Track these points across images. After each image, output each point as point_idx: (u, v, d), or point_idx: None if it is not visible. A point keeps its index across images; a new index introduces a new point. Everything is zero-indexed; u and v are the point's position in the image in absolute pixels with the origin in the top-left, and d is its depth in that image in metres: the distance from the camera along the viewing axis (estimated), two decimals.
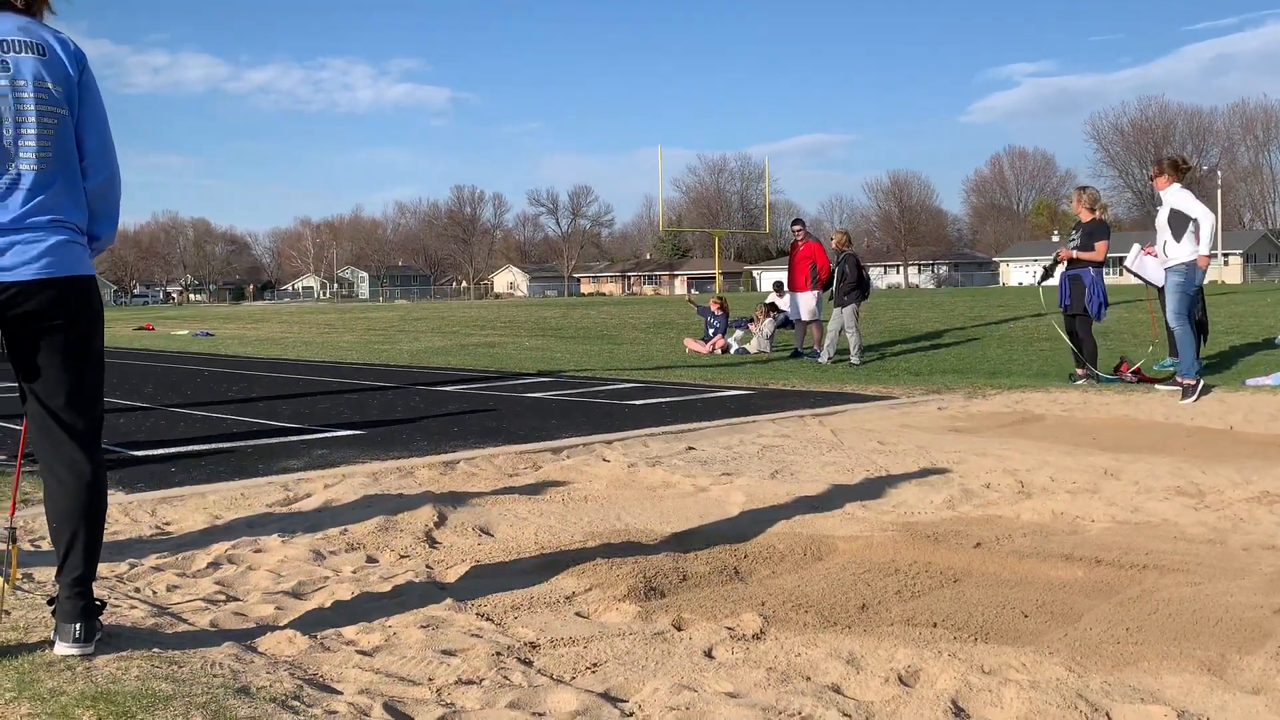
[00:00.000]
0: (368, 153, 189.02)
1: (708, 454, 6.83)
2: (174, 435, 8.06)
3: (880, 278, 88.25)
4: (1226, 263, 66.79)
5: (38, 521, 4.58)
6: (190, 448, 7.36)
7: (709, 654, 3.18)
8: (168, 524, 5.01)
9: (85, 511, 3.11)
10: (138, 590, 3.88)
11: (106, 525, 4.91)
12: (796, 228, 15.87)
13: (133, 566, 4.20)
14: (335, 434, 8.03)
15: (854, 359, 13.72)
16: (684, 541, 4.57)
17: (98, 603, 3.13)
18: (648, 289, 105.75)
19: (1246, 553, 4.26)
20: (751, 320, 18.82)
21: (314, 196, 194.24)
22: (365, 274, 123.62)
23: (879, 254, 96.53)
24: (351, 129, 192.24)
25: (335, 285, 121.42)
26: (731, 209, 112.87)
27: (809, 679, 2.93)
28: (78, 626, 3.02)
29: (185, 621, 3.49)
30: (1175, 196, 9.48)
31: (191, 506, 5.37)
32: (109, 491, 5.67)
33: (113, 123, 3.26)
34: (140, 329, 34.10)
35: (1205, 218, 9.40)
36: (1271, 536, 4.52)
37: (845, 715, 2.66)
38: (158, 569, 4.18)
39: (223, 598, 3.80)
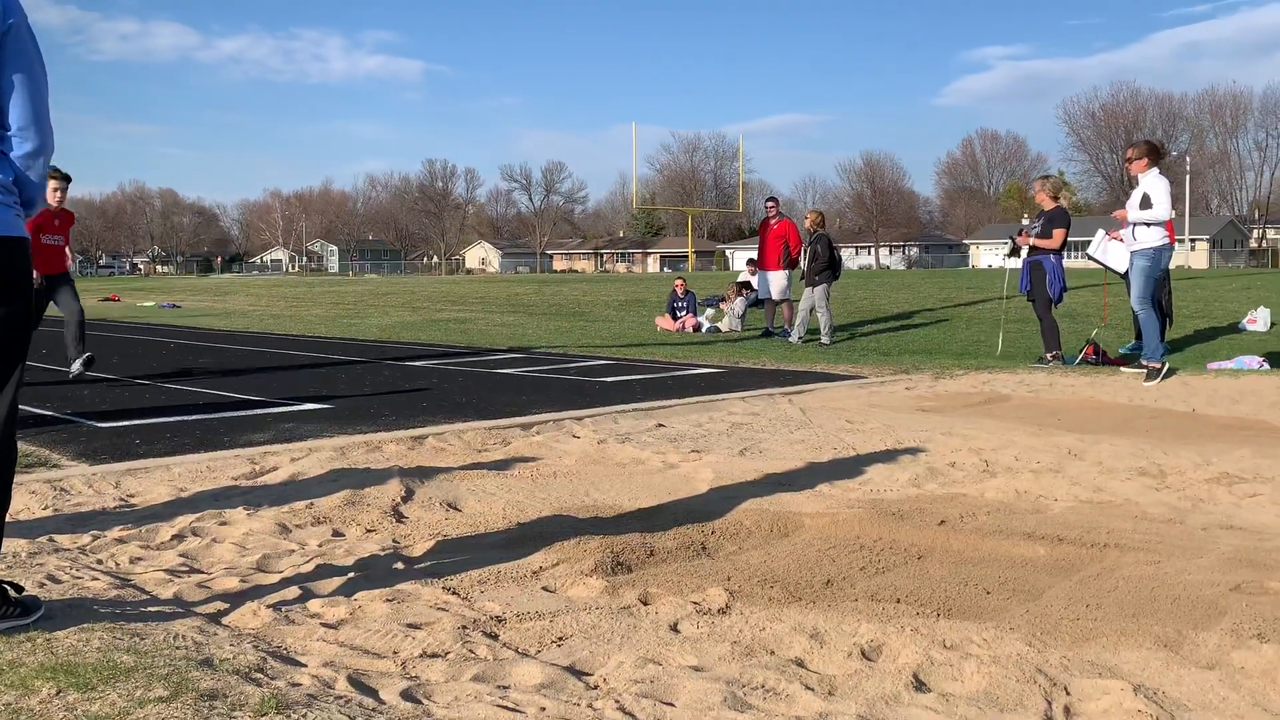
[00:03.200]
0: (339, 125, 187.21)
1: (677, 431, 6.84)
2: (139, 407, 7.97)
3: (851, 259, 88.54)
4: (1193, 248, 67.50)
5: None
6: (155, 420, 7.29)
7: (675, 628, 3.19)
8: (132, 496, 4.97)
9: None
10: (100, 562, 3.85)
11: (70, 497, 4.88)
12: (770, 204, 15.87)
13: (95, 538, 4.16)
14: (302, 408, 7.98)
15: (824, 339, 13.77)
16: (652, 517, 4.59)
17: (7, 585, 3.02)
18: (621, 267, 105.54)
19: (1205, 532, 4.32)
20: (723, 299, 18.84)
21: (284, 168, 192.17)
22: (335, 248, 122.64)
23: (851, 235, 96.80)
24: (323, 101, 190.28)
25: (304, 259, 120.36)
26: (705, 187, 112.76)
27: (773, 653, 2.95)
28: None
29: (148, 594, 3.47)
30: (1151, 182, 9.55)
31: (156, 479, 5.32)
32: (72, 463, 5.63)
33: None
34: (106, 300, 33.69)
35: (1158, 214, 9.44)
36: (1230, 517, 4.60)
37: (808, 689, 2.69)
38: (121, 541, 4.14)
39: (187, 570, 3.78)
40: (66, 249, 9.74)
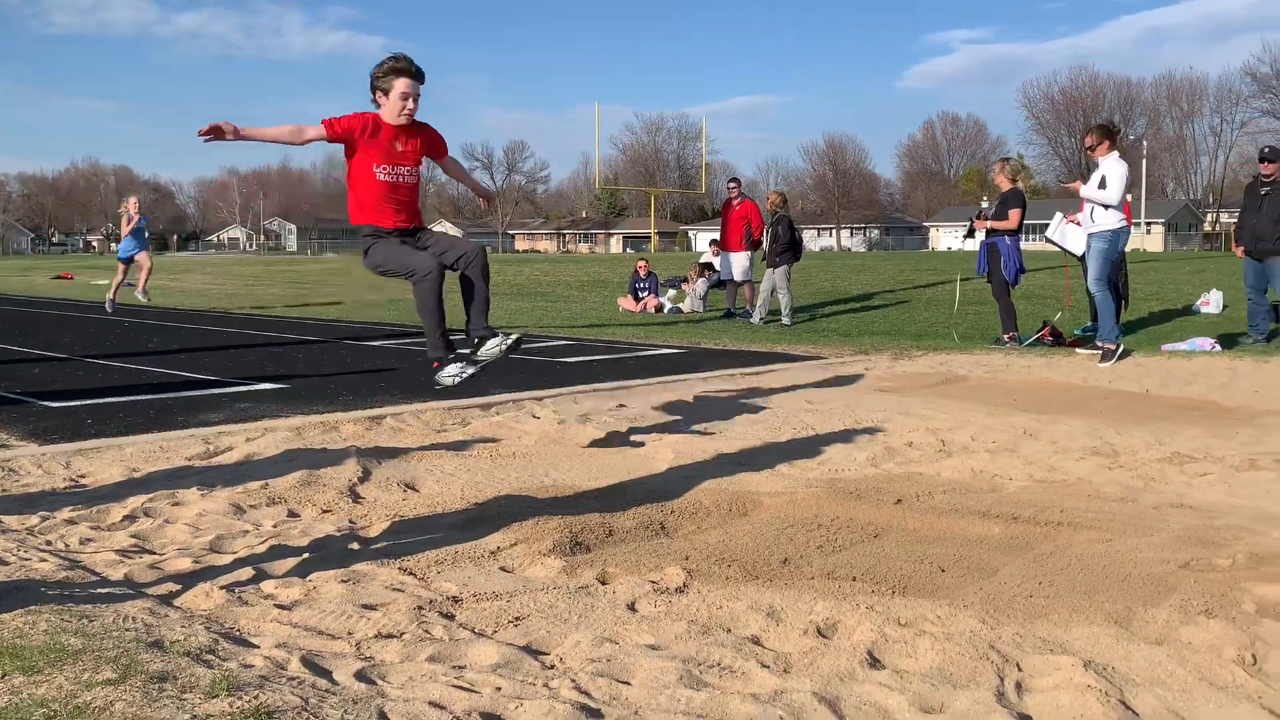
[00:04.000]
0: (300, 102, 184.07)
1: (638, 411, 6.84)
2: (91, 386, 7.85)
3: (813, 240, 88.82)
4: (1149, 231, 68.41)
5: None
6: (107, 400, 7.17)
7: (632, 607, 3.19)
8: (82, 476, 4.89)
9: None
10: (49, 543, 3.79)
11: (18, 477, 4.79)
12: (732, 185, 15.86)
13: (44, 519, 4.10)
14: (258, 387, 7.88)
15: (785, 319, 13.81)
16: (611, 497, 4.58)
17: None
18: (583, 247, 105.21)
19: (1156, 511, 4.39)
20: (685, 280, 18.84)
21: (242, 146, 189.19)
22: (293, 226, 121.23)
23: (813, 217, 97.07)
24: (284, 77, 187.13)
25: (262, 237, 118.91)
26: (668, 168, 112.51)
27: (730, 631, 2.96)
28: None
29: (98, 575, 3.42)
30: (1111, 166, 9.63)
31: (108, 459, 5.24)
32: (21, 443, 5.52)
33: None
34: (58, 278, 33.09)
35: (1110, 198, 9.52)
36: (1181, 495, 4.67)
37: (764, 666, 2.70)
38: (71, 522, 4.07)
39: (138, 551, 3.73)
40: None
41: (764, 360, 9.91)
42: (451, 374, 4.74)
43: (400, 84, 4.55)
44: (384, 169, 4.60)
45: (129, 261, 16.71)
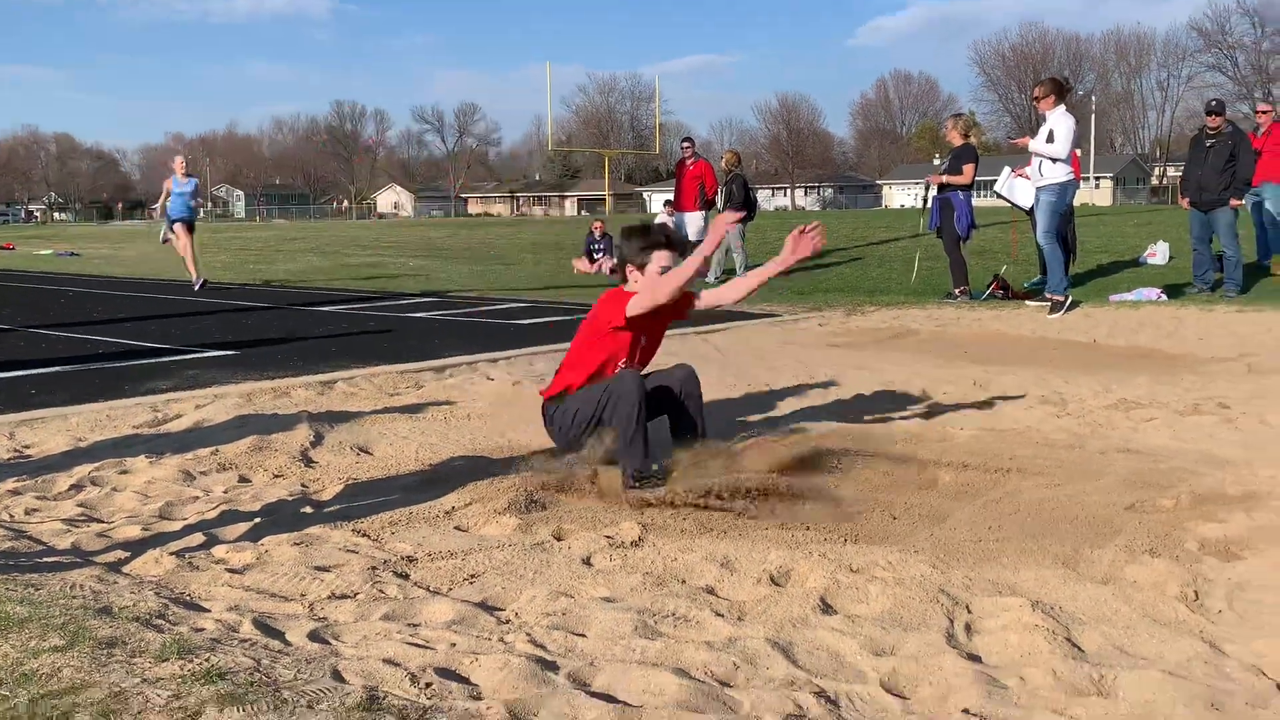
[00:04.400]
0: (244, 66, 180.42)
1: None
2: (34, 356, 7.69)
3: (768, 200, 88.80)
4: (1098, 186, 69.16)
5: None
6: (52, 369, 7.04)
7: (587, 562, 3.20)
8: (27, 447, 4.80)
9: None
10: None
11: None
12: (686, 145, 15.79)
13: None
14: (207, 354, 7.77)
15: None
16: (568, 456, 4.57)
17: None
18: (537, 210, 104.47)
19: (1103, 456, 4.46)
20: None
21: (187, 112, 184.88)
22: (241, 193, 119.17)
23: (767, 176, 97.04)
24: (227, 41, 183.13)
25: (210, 204, 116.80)
26: (622, 129, 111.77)
27: (684, 582, 2.98)
28: None
29: (44, 544, 3.36)
30: (1057, 120, 9.69)
31: (53, 429, 5.14)
32: None
33: None
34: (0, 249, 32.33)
35: (1057, 151, 9.59)
36: (1127, 440, 4.75)
37: (718, 615, 2.72)
38: (15, 493, 4.00)
39: (86, 520, 3.67)
40: None
41: (718, 318, 9.92)
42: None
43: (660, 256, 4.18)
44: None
45: (189, 224, 14.88)
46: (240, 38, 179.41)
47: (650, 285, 4.05)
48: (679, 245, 4.29)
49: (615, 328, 4.09)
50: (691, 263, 4.05)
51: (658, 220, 19.29)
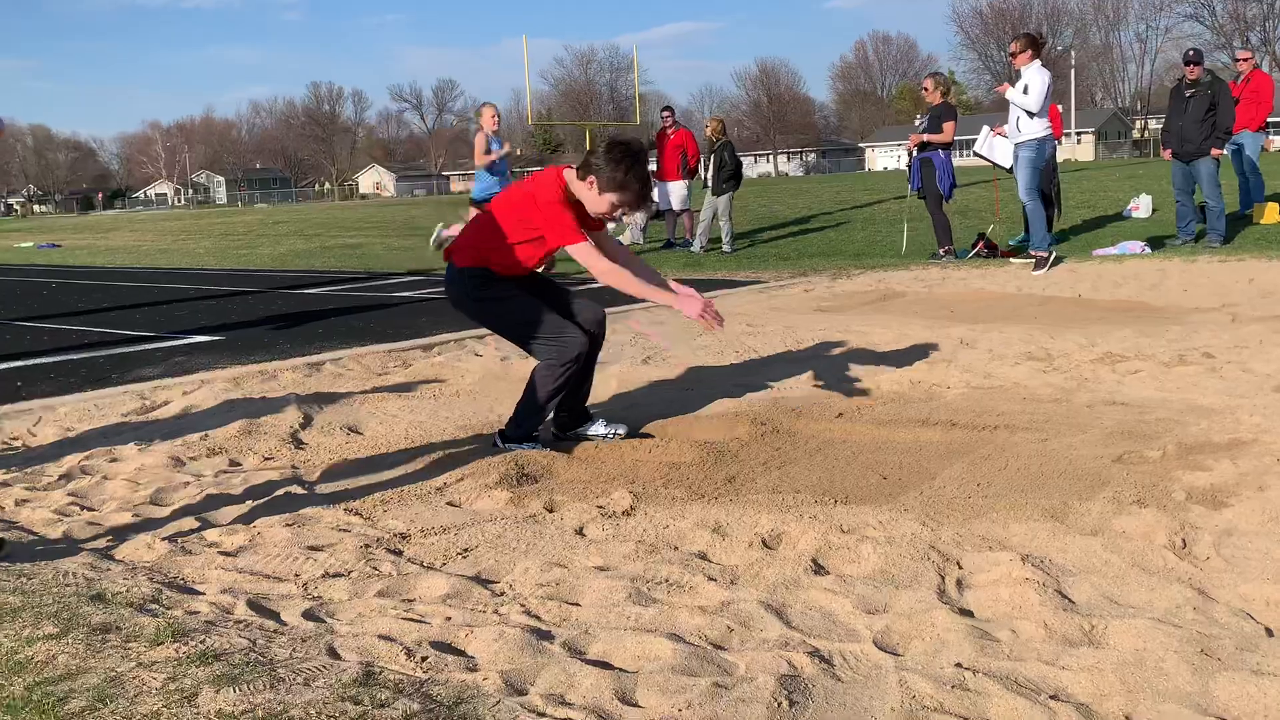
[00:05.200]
0: (217, 51, 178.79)
1: None
2: (19, 349, 7.65)
3: (751, 167, 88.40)
4: (1079, 141, 69.12)
5: None
6: (37, 360, 7.00)
7: (580, 532, 3.21)
8: (14, 439, 4.78)
9: None
10: None
11: None
12: (666, 114, 15.72)
13: None
14: (193, 340, 7.74)
15: (726, 247, 13.81)
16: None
17: None
18: None
19: (1090, 409, 4.49)
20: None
21: (162, 99, 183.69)
22: (221, 178, 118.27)
23: (749, 143, 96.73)
24: (198, 26, 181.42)
25: (190, 191, 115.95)
26: (601, 101, 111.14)
27: (676, 549, 2.99)
28: None
29: (35, 534, 3.36)
30: (1033, 75, 9.66)
31: (41, 420, 5.12)
32: None
33: None
34: None
35: (1031, 104, 9.55)
36: (1113, 393, 4.78)
37: (711, 579, 2.73)
38: (4, 484, 3.98)
39: (77, 509, 3.66)
40: None
41: (705, 287, 9.90)
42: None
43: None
44: None
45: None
46: (211, 22, 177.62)
47: (592, 259, 4.00)
48: (646, 204, 4.26)
49: (546, 243, 4.06)
50: (644, 290, 4.03)
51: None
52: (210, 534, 3.32)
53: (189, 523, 3.43)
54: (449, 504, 3.59)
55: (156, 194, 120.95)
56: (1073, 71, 68.22)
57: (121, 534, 3.33)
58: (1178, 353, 5.51)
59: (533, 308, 4.18)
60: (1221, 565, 2.72)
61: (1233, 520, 3.02)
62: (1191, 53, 11.21)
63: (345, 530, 3.31)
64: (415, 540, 3.21)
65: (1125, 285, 8.47)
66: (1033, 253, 9.87)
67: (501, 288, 4.21)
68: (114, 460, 4.30)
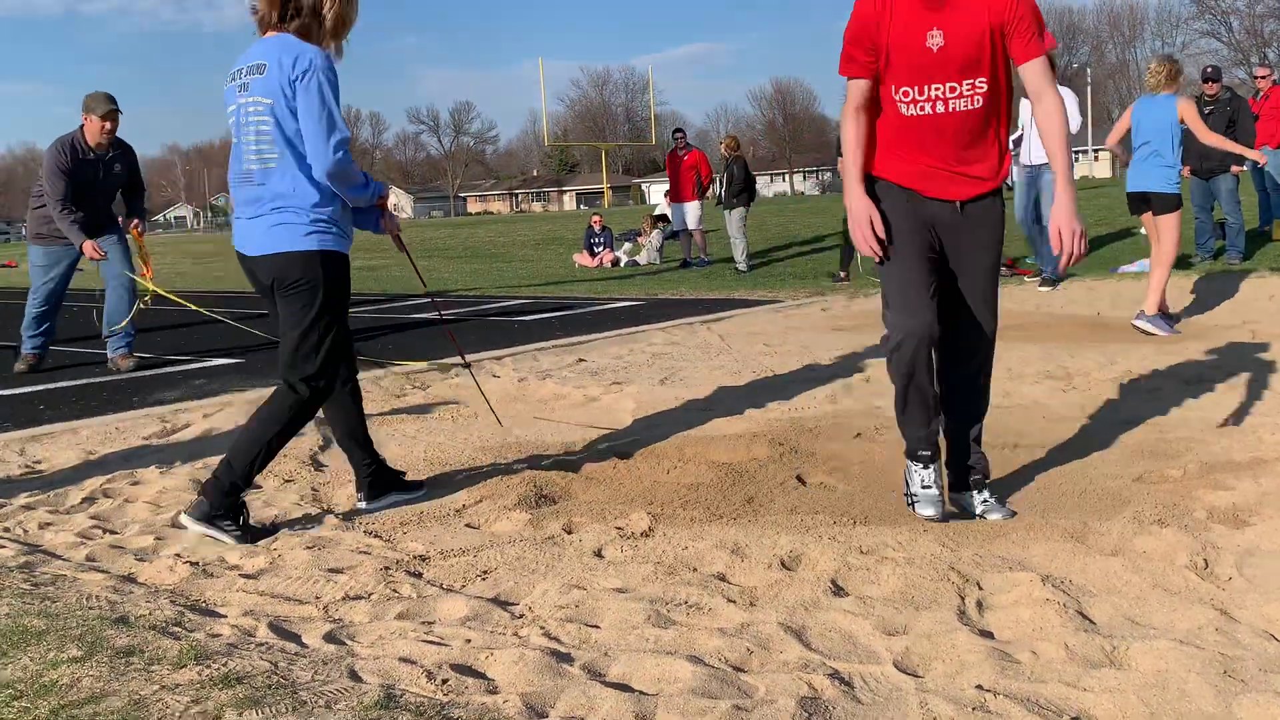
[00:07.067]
0: None
1: (598, 365, 6.84)
2: (42, 372, 7.72)
3: (767, 186, 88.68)
4: (1096, 158, 68.97)
5: None
6: (60, 384, 7.07)
7: (599, 554, 3.21)
8: (38, 462, 4.82)
9: None
10: (7, 530, 3.73)
11: None
12: (679, 135, 15.79)
13: (1, 506, 4.04)
14: (214, 363, 7.80)
15: (740, 265, 13.83)
16: (576, 450, 4.59)
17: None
18: (536, 206, 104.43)
19: (1109, 428, 4.47)
20: (639, 233, 18.79)
21: (182, 123, 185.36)
22: None
23: (765, 162, 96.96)
24: (219, 50, 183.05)
25: (209, 214, 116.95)
26: (617, 122, 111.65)
27: (695, 570, 2.99)
28: None
29: (59, 558, 3.39)
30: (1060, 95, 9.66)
31: (63, 443, 5.17)
32: None
33: None
34: (3, 266, 32.40)
35: (1073, 124, 9.57)
36: (1133, 412, 4.75)
37: (730, 601, 2.73)
38: (29, 508, 4.02)
39: (99, 532, 3.69)
40: None
41: (721, 307, 9.93)
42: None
43: None
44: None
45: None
46: (232, 47, 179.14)
47: None
48: None
49: None
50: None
51: (658, 211, 19.27)
52: (231, 556, 3.34)
53: (210, 545, 3.45)
54: (468, 526, 3.61)
55: (175, 217, 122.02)
56: (1089, 89, 68.13)
57: (144, 557, 3.36)
58: (1197, 371, 5.48)
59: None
60: (1244, 585, 2.70)
61: (1255, 540, 3.00)
62: (1210, 70, 11.20)
63: (365, 552, 3.32)
64: (434, 562, 3.22)
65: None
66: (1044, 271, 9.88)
67: None
68: (136, 483, 4.33)
